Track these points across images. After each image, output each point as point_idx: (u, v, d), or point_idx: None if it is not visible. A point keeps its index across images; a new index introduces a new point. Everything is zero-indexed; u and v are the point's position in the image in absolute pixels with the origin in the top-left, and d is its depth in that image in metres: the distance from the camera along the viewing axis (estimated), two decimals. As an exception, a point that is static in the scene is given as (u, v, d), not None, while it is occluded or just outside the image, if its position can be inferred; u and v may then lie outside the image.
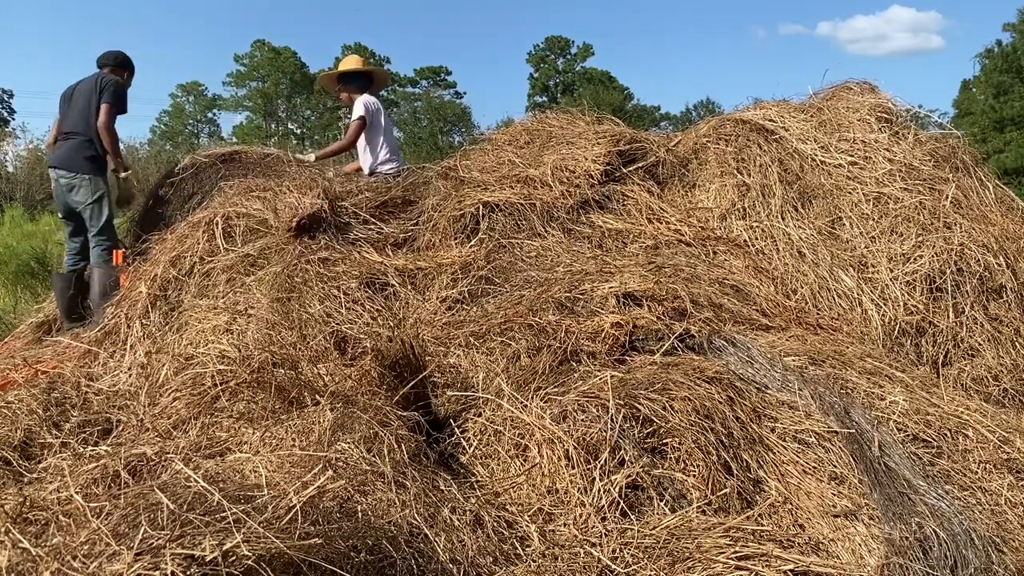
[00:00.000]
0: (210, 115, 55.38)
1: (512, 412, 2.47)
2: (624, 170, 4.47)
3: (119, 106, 4.70)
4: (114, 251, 4.52)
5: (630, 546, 2.05)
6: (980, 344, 3.62)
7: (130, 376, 3.20)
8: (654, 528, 2.11)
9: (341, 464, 2.10)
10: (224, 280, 3.53)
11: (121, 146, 4.87)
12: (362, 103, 5.35)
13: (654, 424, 2.42)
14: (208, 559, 1.42)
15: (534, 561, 2.04)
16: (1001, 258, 3.82)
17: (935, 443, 2.74)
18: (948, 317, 3.66)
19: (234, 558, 1.46)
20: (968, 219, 4.00)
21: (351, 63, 5.76)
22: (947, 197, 4.07)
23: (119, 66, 4.93)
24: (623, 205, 4.31)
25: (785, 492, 2.35)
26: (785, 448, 2.48)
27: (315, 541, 1.57)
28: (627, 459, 2.30)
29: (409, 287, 3.58)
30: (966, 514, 2.40)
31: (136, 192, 5.05)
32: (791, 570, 1.98)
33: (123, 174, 4.75)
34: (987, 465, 2.68)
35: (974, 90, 35.89)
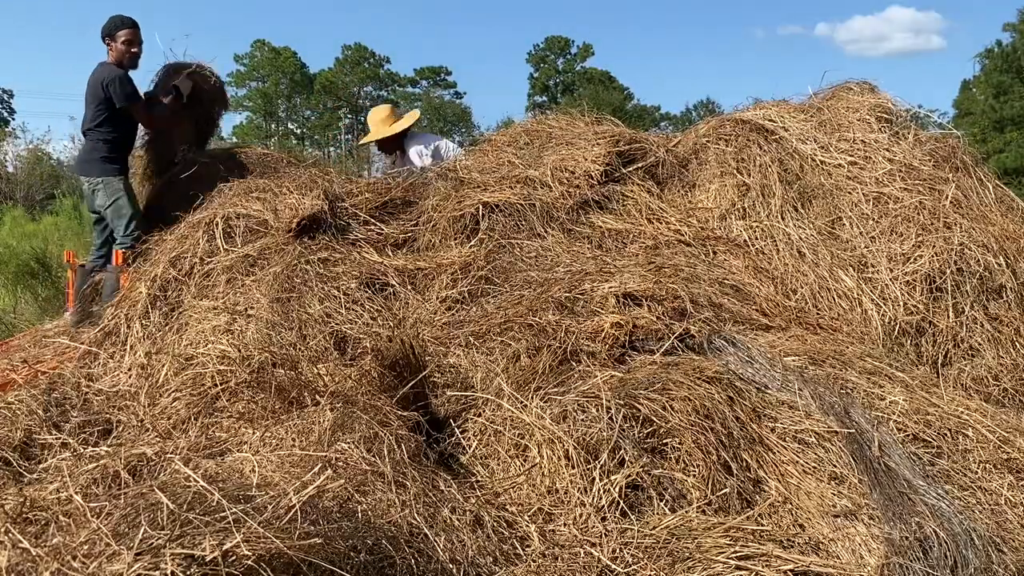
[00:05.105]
0: (210, 115, 55.29)
1: (512, 412, 2.47)
2: (624, 170, 4.47)
3: (134, 97, 4.48)
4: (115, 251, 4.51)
5: (630, 546, 2.05)
6: (980, 344, 3.62)
7: (130, 376, 3.19)
8: (654, 528, 2.11)
9: (341, 464, 2.10)
10: (224, 280, 3.52)
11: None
12: (415, 153, 5.26)
13: (654, 424, 2.42)
14: (208, 559, 1.43)
15: (534, 561, 2.04)
16: (1001, 258, 3.82)
17: (935, 443, 2.74)
18: (948, 317, 3.65)
19: (234, 558, 1.46)
20: (968, 219, 3.99)
21: (385, 124, 5.42)
22: (947, 197, 4.06)
23: (109, 38, 4.55)
24: (623, 205, 4.31)
25: (785, 492, 2.35)
26: (785, 448, 2.48)
27: (315, 541, 1.57)
28: (627, 459, 2.30)
29: (409, 287, 3.58)
30: (966, 514, 2.40)
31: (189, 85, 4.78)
32: (791, 570, 1.98)
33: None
34: (987, 465, 2.68)
35: (974, 90, 35.85)
